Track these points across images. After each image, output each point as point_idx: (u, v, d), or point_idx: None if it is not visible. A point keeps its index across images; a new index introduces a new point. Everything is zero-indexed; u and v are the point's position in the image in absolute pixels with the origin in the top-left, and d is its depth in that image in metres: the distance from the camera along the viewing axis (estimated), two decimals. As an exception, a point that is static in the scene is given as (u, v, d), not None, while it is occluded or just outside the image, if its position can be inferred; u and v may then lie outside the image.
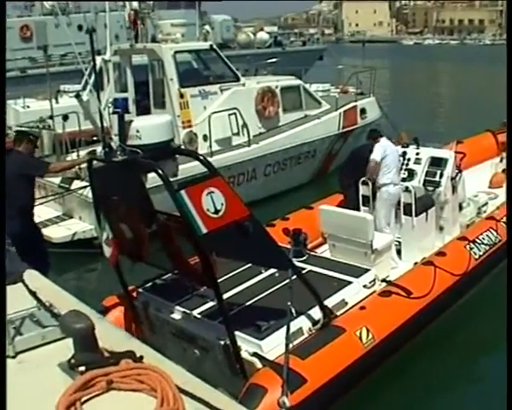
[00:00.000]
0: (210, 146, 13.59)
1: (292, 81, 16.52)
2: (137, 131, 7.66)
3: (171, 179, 5.17)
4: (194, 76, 15.24)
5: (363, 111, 17.43)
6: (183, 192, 4.94)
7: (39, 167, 9.22)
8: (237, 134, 14.32)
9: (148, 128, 6.82)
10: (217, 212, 5.08)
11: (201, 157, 5.47)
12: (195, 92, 14.04)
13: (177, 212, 5.14)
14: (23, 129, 10.97)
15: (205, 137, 13.76)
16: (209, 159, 12.99)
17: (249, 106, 14.80)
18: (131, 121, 6.92)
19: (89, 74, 15.40)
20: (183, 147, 13.06)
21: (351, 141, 16.48)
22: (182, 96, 13.73)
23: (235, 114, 14.23)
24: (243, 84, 15.09)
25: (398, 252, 9.28)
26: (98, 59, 18.09)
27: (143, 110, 14.13)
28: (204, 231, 5.01)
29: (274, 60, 22.25)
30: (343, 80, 20.27)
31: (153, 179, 5.37)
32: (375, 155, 9.43)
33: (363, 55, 20.84)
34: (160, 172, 5.03)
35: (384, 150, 9.48)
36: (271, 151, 14.69)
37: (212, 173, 5.27)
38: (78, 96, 13.19)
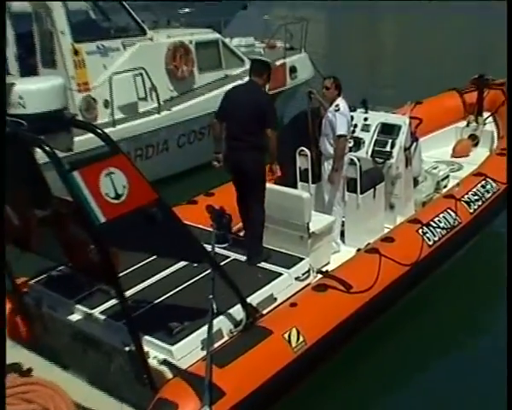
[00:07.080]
0: (112, 114, 13.47)
1: (209, 35, 16.50)
2: (21, 98, 7.46)
3: (65, 155, 5.03)
4: (90, 29, 14.94)
5: (293, 69, 17.52)
6: (75, 173, 4.77)
7: None
8: (145, 99, 14.23)
9: (34, 94, 6.58)
10: (118, 197, 4.98)
11: (99, 130, 5.33)
12: (93, 48, 13.81)
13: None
14: None
15: (106, 103, 13.61)
16: (111, 129, 12.94)
17: (158, 65, 14.71)
18: (13, 84, 6.71)
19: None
20: (79, 115, 12.85)
21: (279, 105, 16.48)
22: (76, 52, 13.46)
23: (141, 74, 14.10)
24: (151, 39, 14.95)
25: (342, 234, 9.25)
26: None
27: (29, 69, 13.75)
28: (102, 219, 4.89)
29: (188, 10, 22.10)
30: (270, 33, 20.32)
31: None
32: (343, 129, 8.81)
33: (293, 3, 20.89)
34: (46, 148, 4.83)
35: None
36: (186, 119, 14.68)
37: (112, 150, 5.14)
38: None
